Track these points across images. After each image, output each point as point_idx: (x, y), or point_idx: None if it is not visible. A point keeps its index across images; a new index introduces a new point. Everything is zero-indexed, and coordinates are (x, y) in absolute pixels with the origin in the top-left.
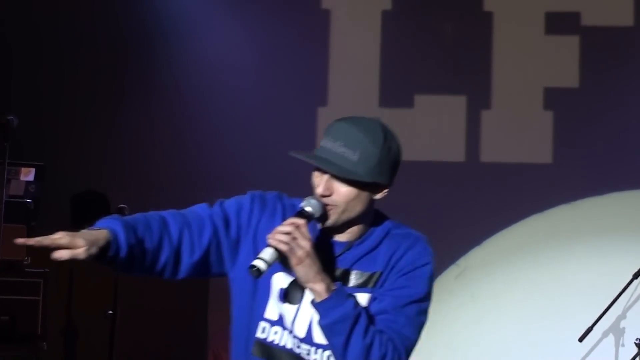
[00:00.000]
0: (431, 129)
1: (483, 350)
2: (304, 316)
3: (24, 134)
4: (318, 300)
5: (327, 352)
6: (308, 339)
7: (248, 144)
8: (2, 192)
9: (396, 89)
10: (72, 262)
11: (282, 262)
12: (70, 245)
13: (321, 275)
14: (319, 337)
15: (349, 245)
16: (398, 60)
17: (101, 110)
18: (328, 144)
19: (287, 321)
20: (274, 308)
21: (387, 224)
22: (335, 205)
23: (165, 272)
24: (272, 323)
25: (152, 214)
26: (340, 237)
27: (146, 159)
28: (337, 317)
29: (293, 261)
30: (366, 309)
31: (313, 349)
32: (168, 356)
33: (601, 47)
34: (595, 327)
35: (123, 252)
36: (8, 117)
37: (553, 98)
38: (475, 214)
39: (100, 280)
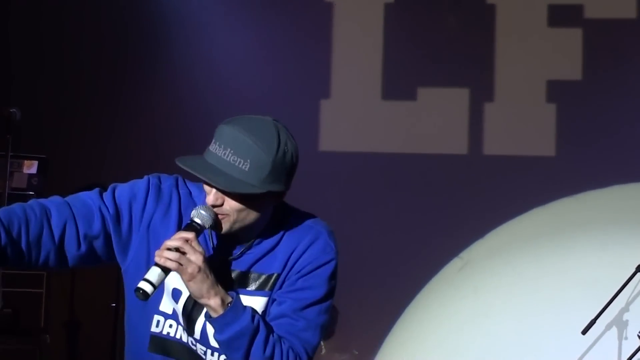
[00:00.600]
0: (434, 121)
1: (486, 342)
2: (199, 318)
3: (27, 127)
4: (213, 315)
5: (224, 356)
6: (204, 341)
7: None
8: (4, 184)
9: (399, 82)
10: None
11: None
12: None
13: (215, 289)
14: (214, 340)
15: (247, 247)
16: (401, 52)
17: (103, 104)
18: (218, 151)
19: (182, 319)
20: (167, 302)
21: (287, 218)
22: (227, 215)
23: (50, 265)
24: (167, 316)
25: (34, 205)
26: (235, 238)
27: (148, 152)
28: (234, 333)
29: (184, 278)
30: (264, 313)
31: (209, 350)
32: None
33: (604, 39)
34: (598, 320)
35: None
36: (11, 110)
37: (556, 91)
38: (478, 207)
39: (103, 272)
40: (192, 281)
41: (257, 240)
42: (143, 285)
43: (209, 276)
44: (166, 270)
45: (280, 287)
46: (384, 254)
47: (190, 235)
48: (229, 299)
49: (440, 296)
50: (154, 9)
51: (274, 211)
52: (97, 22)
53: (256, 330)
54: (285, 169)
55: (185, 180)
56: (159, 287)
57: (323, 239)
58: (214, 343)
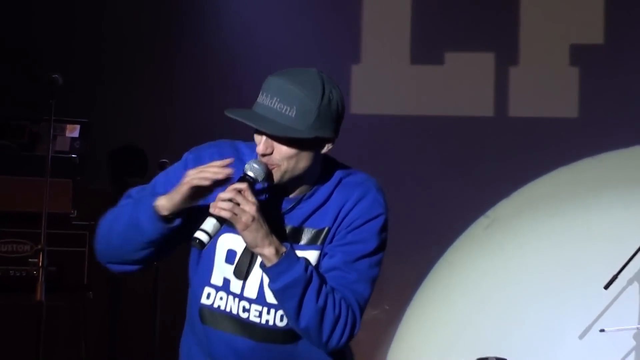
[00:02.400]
0: (461, 85)
1: (511, 296)
2: (255, 276)
3: (69, 92)
4: (268, 264)
5: (280, 312)
6: (260, 300)
7: None
8: (48, 148)
9: (427, 47)
10: None
11: (230, 224)
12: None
13: (269, 239)
14: (271, 297)
15: (297, 202)
16: (429, 18)
17: (141, 70)
18: (265, 101)
19: (235, 284)
20: (218, 273)
21: (337, 174)
22: (277, 165)
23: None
24: (217, 289)
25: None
26: (288, 193)
27: (184, 116)
28: (288, 282)
29: (238, 227)
30: (317, 267)
31: (265, 309)
32: None
33: (625, 3)
34: (620, 275)
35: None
36: (53, 76)
37: (579, 54)
38: (504, 167)
39: None
40: (246, 230)
41: (308, 195)
42: (199, 234)
43: (263, 226)
44: (221, 221)
45: (331, 241)
46: (413, 213)
47: (243, 186)
48: (283, 249)
49: (467, 253)
50: None
51: (324, 166)
52: None
53: (309, 280)
54: (331, 115)
55: (237, 142)
56: (213, 240)
57: (372, 194)
58: (270, 300)
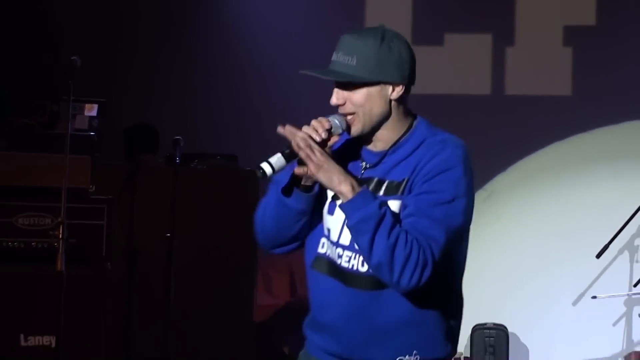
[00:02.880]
0: (460, 64)
1: (507, 265)
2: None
3: (91, 73)
4: (344, 201)
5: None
6: (351, 246)
7: (291, 80)
8: (67, 126)
9: (427, 28)
10: (132, 189)
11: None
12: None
13: (344, 176)
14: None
15: (382, 156)
16: (429, 1)
17: (154, 51)
18: (334, 58)
19: (334, 232)
20: (325, 222)
21: (423, 133)
22: (352, 113)
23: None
24: (326, 237)
25: None
26: (373, 147)
27: (197, 97)
28: (361, 217)
29: (311, 168)
30: (395, 214)
31: (353, 254)
32: (220, 273)
33: None
34: (611, 245)
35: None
36: (72, 58)
37: (572, 35)
38: (501, 142)
39: (159, 205)
40: (320, 171)
41: (392, 150)
42: (264, 165)
43: (336, 165)
44: (289, 157)
45: (410, 192)
46: None
47: (326, 124)
48: (359, 188)
49: None
50: None
51: (412, 125)
52: None
53: (382, 217)
54: (393, 61)
55: None
56: (279, 173)
57: (451, 149)
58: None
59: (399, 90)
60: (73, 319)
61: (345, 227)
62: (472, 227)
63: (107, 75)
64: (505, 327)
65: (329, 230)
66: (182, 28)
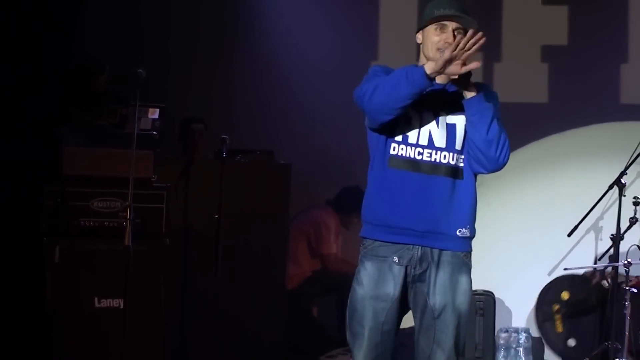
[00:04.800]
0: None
1: (494, 241)
2: (425, 131)
3: (150, 81)
4: (473, 96)
5: (444, 153)
6: (430, 145)
7: (318, 91)
8: (134, 126)
9: None
10: (187, 179)
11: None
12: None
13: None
14: (438, 142)
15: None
16: None
17: (204, 65)
18: (446, 11)
19: (412, 137)
20: (401, 130)
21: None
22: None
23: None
24: (399, 143)
25: None
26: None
27: (239, 100)
28: (486, 106)
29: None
30: None
31: (434, 151)
32: (258, 248)
33: (585, 11)
34: (580, 226)
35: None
36: (138, 70)
37: (548, 53)
38: None
39: (208, 192)
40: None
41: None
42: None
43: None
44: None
45: None
46: None
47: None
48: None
49: None
50: None
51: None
52: None
53: (494, 110)
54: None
55: None
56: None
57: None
58: (438, 144)
59: None
60: (138, 284)
61: (422, 130)
62: None
63: (161, 82)
64: (493, 293)
65: (405, 136)
66: (223, 43)
